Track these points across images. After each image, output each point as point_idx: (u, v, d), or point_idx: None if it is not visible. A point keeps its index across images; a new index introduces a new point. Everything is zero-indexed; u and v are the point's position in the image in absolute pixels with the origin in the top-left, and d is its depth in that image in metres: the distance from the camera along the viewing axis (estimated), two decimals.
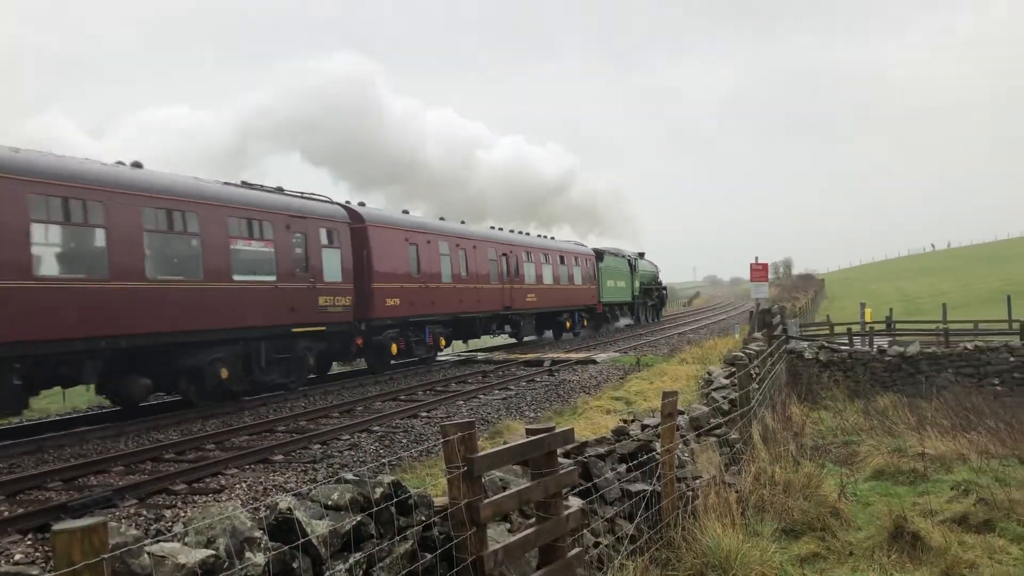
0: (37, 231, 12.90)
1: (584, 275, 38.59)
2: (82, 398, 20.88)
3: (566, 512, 4.96)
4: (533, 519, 4.92)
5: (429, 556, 4.05)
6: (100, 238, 13.95)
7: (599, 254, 41.36)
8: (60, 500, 9.36)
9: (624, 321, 45.39)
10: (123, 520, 8.53)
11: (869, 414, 15.98)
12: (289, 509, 3.51)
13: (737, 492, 8.06)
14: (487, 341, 34.26)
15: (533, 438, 4.85)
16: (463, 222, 29.76)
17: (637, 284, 46.94)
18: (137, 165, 15.34)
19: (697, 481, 7.73)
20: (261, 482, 10.37)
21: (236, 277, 16.71)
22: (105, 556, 2.46)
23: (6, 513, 8.88)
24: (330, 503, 3.75)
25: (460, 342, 29.99)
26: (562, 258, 36.17)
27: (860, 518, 8.58)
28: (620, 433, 7.18)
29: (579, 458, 6.13)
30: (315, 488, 3.92)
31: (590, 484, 6.07)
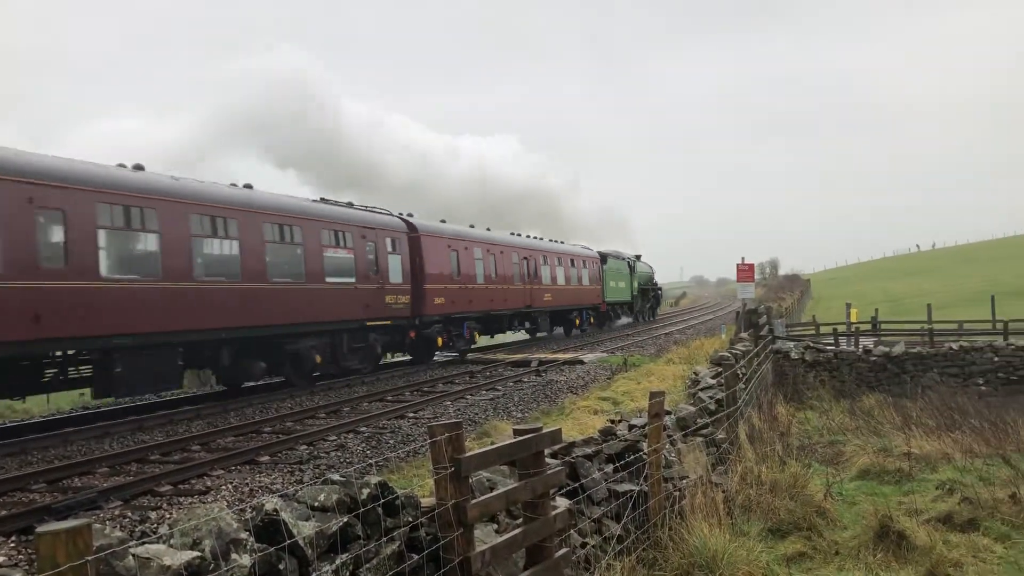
0: (196, 244, 16.15)
1: (590, 276, 41.48)
2: (66, 399, 20.73)
3: (553, 512, 4.95)
4: (520, 520, 4.92)
5: (416, 557, 4.04)
6: (235, 248, 17.19)
7: (603, 257, 44.08)
8: (44, 502, 9.29)
9: (625, 319, 48.25)
10: (108, 522, 8.48)
11: (855, 414, 16.07)
12: (275, 510, 3.50)
13: (724, 492, 8.08)
14: (507, 337, 36.86)
15: (520, 438, 4.84)
16: (488, 229, 32.82)
17: (635, 285, 49.40)
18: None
19: (684, 481, 7.75)
20: (247, 483, 10.33)
21: (328, 279, 20.07)
22: (89, 558, 2.45)
23: None
24: (316, 504, 3.74)
25: (487, 336, 32.88)
26: (572, 261, 39.15)
27: (846, 517, 8.62)
28: (607, 433, 7.18)
29: (566, 458, 6.13)
30: (301, 489, 3.90)
31: (577, 484, 6.07)
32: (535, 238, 37.55)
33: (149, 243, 15.27)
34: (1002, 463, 10.53)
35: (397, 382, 20.86)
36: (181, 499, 9.70)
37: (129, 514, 8.94)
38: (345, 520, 3.72)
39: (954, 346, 20.51)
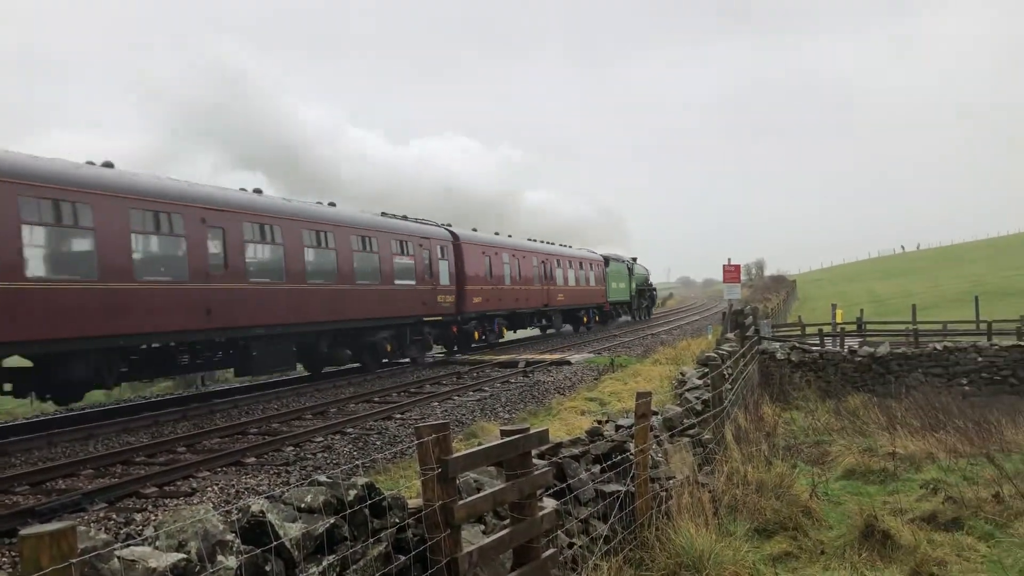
0: (307, 253, 19.87)
1: (596, 278, 45.18)
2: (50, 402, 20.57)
3: (540, 513, 4.96)
4: (508, 520, 4.92)
5: (403, 558, 4.03)
6: (333, 256, 21.04)
7: (606, 260, 47.51)
8: (28, 504, 9.23)
9: (624, 318, 52.08)
10: (93, 524, 8.43)
11: (840, 414, 16.14)
12: (262, 512, 3.49)
13: (710, 492, 8.11)
14: (527, 333, 39.99)
15: (508, 439, 4.84)
16: (510, 235, 36.51)
17: (634, 286, 52.72)
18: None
19: (671, 481, 7.76)
20: (233, 485, 10.29)
21: (396, 282, 23.90)
22: (74, 560, 2.43)
23: None
24: (303, 505, 3.73)
25: (511, 332, 36.55)
26: (580, 264, 42.84)
27: (831, 517, 8.66)
28: (594, 434, 7.19)
29: (553, 459, 6.13)
30: (288, 490, 3.89)
31: (564, 485, 6.08)
32: (547, 243, 41.09)
33: (276, 252, 19.02)
34: (986, 462, 10.61)
35: (385, 383, 20.83)
36: (167, 501, 9.66)
37: (114, 516, 8.89)
38: (332, 521, 3.71)
39: (938, 346, 20.61)
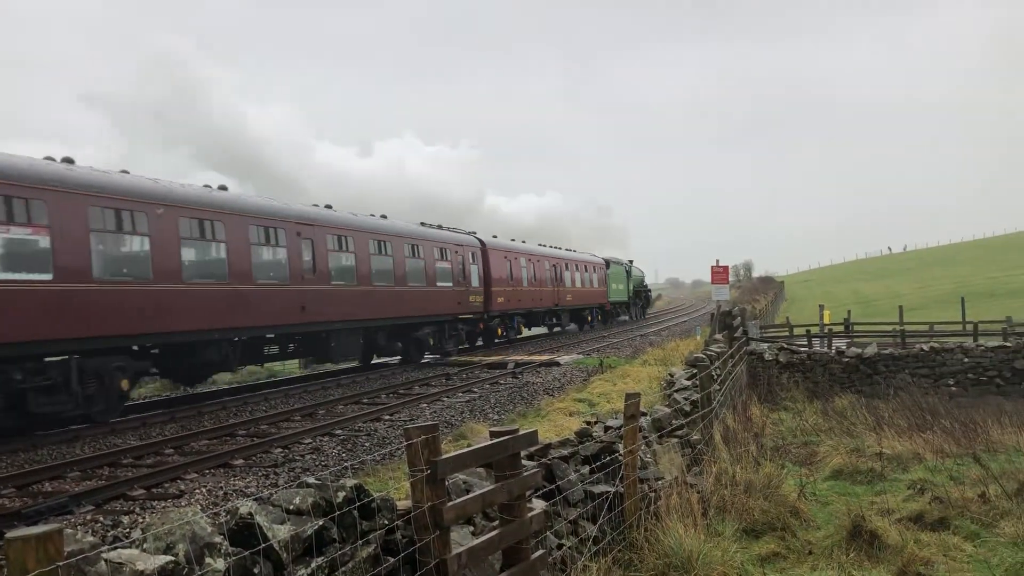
0: (373, 260, 23.43)
1: (598, 280, 48.25)
2: None
3: (530, 514, 4.96)
4: (497, 522, 4.92)
5: (392, 560, 4.03)
6: (391, 262, 24.40)
7: (607, 263, 50.67)
8: (14, 507, 9.16)
9: (623, 317, 55.19)
10: (79, 527, 8.37)
11: (828, 415, 16.20)
12: (250, 514, 3.48)
13: (699, 493, 8.13)
14: (536, 330, 42.76)
15: (497, 440, 4.85)
16: (524, 241, 39.93)
17: (631, 287, 56.11)
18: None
19: (659, 482, 7.78)
20: (221, 487, 10.25)
21: (438, 284, 27.43)
22: (61, 563, 2.42)
23: None
24: (292, 507, 3.72)
25: (527, 329, 40.08)
26: (585, 267, 46.11)
27: (819, 517, 8.70)
28: (583, 435, 7.20)
29: (543, 460, 6.14)
30: (276, 492, 3.87)
31: (554, 486, 6.08)
32: (554, 247, 44.05)
33: (350, 259, 22.34)
34: (972, 463, 10.67)
35: (373, 384, 20.80)
36: (154, 503, 9.60)
37: (101, 519, 8.83)
38: (320, 523, 3.70)
39: (925, 347, 20.73)
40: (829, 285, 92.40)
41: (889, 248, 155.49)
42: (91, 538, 2.96)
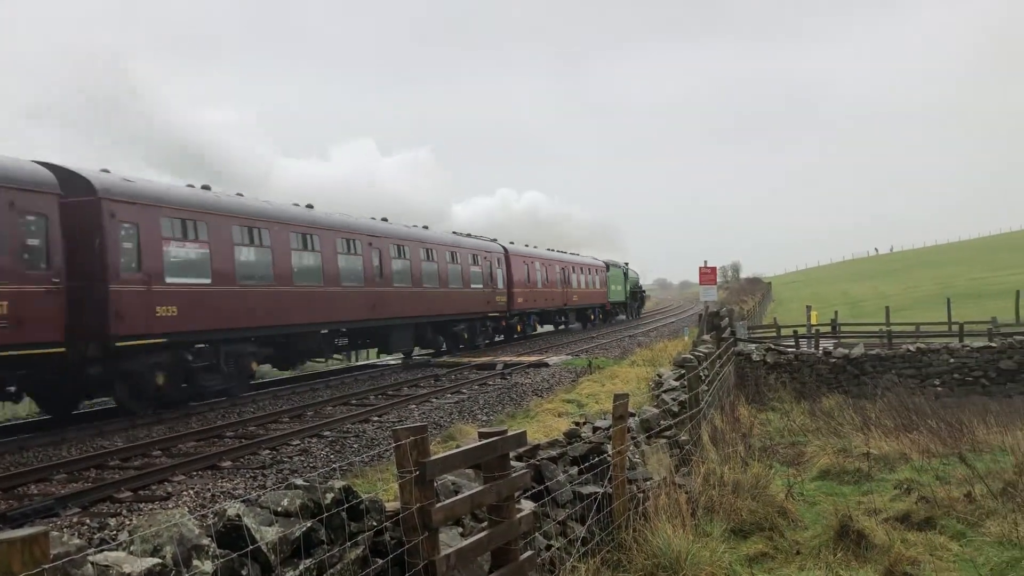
0: (425, 266, 27.73)
1: (600, 281, 52.14)
2: (22, 406, 20.32)
3: (518, 515, 4.96)
4: (485, 523, 4.92)
5: (381, 561, 4.02)
6: (435, 267, 28.46)
7: (607, 265, 54.48)
8: None
9: (621, 316, 58.89)
10: (66, 529, 8.32)
11: (815, 415, 16.25)
12: (238, 516, 3.46)
13: (687, 493, 8.14)
14: (545, 328, 46.29)
15: (486, 441, 4.84)
16: (535, 246, 43.52)
17: (628, 288, 59.90)
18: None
19: (648, 483, 7.79)
20: (209, 489, 10.21)
21: (472, 286, 31.75)
22: (46, 566, 2.40)
23: None
24: (280, 509, 3.70)
25: (540, 327, 44.53)
26: (588, 270, 50.09)
27: (807, 517, 8.73)
28: (572, 436, 7.20)
29: (531, 461, 6.13)
30: (264, 494, 3.86)
31: (542, 487, 6.08)
32: (559, 251, 48.36)
33: (406, 265, 26.43)
34: (958, 462, 10.73)
35: (362, 385, 20.76)
36: (141, 505, 9.56)
37: (88, 521, 8.78)
38: (309, 525, 3.69)
39: (911, 348, 20.85)
40: (816, 286, 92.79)
41: (876, 249, 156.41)
42: (77, 540, 2.94)
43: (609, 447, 7.05)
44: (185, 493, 10.01)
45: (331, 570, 3.72)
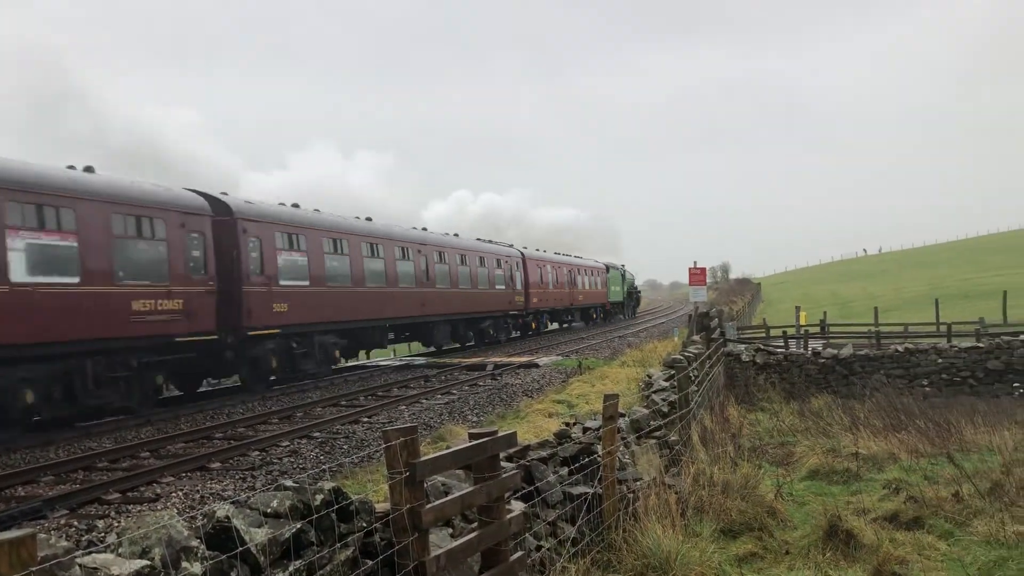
0: (460, 269, 31.90)
1: (601, 283, 55.61)
2: None
3: (509, 516, 4.96)
4: (476, 524, 4.91)
5: (371, 562, 4.01)
6: (467, 271, 32.53)
7: (607, 267, 58.14)
8: None
9: (620, 316, 62.04)
10: (53, 531, 8.28)
11: (804, 415, 16.30)
12: (227, 517, 3.45)
13: (677, 493, 8.16)
14: (552, 326, 49.40)
15: (476, 442, 4.84)
16: (545, 251, 47.76)
17: (625, 288, 63.42)
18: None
19: (638, 483, 7.80)
20: (198, 490, 10.17)
21: (496, 287, 35.79)
22: (34, 568, 2.39)
23: None
24: (269, 511, 3.70)
25: (552, 324, 48.38)
26: (591, 271, 53.60)
27: (796, 517, 8.75)
28: (562, 436, 7.20)
29: (521, 462, 6.14)
30: (254, 496, 3.85)
31: (532, 488, 6.08)
32: (565, 254, 51.72)
33: (445, 269, 30.28)
34: (946, 462, 10.78)
35: (352, 387, 20.72)
36: (130, 507, 9.52)
37: (76, 523, 8.74)
38: (298, 526, 3.68)
39: (900, 348, 20.93)
40: (806, 287, 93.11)
41: (864, 250, 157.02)
42: (65, 543, 2.92)
43: (599, 448, 7.05)
44: (174, 494, 9.98)
45: (321, 571, 3.72)
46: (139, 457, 12.35)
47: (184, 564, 3.14)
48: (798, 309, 38.55)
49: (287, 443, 13.18)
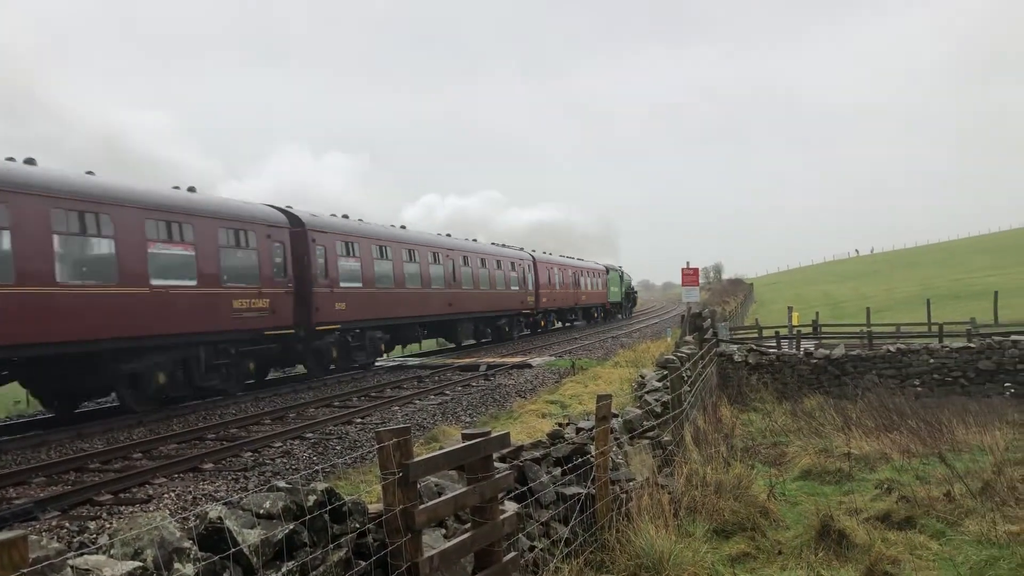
0: (463, 271, 33.06)
1: (601, 284, 58.12)
2: (2, 408, 20.13)
3: (502, 517, 4.96)
4: (469, 524, 4.91)
5: (364, 563, 4.01)
6: (479, 272, 35.00)
7: (607, 269, 60.63)
8: None
9: (618, 315, 64.29)
10: (45, 533, 8.24)
11: (797, 415, 16.34)
12: (219, 518, 3.45)
13: (670, 493, 8.17)
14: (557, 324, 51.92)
15: (469, 443, 4.84)
16: (551, 253, 50.33)
17: (623, 289, 65.91)
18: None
19: (631, 483, 7.81)
20: (190, 491, 10.14)
21: (511, 288, 38.58)
22: (25, 570, 2.38)
23: None
24: (262, 512, 3.69)
25: (558, 323, 51.26)
26: (593, 273, 56.23)
27: (788, 517, 8.77)
28: (555, 437, 7.21)
29: (515, 462, 6.14)
30: (246, 496, 3.84)
31: (526, 488, 6.08)
32: (569, 257, 54.02)
33: (468, 271, 33.52)
34: (938, 462, 10.83)
35: (345, 387, 20.69)
36: (122, 508, 9.49)
37: (67, 525, 8.71)
38: (291, 527, 3.67)
39: (892, 348, 20.98)
40: (798, 287, 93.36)
41: (856, 251, 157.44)
42: (57, 544, 2.91)
43: (592, 448, 7.06)
44: (166, 495, 9.95)
45: (314, 572, 3.71)
46: (131, 458, 12.31)
47: (176, 565, 3.13)
48: (790, 309, 38.62)
49: (280, 444, 13.16)
